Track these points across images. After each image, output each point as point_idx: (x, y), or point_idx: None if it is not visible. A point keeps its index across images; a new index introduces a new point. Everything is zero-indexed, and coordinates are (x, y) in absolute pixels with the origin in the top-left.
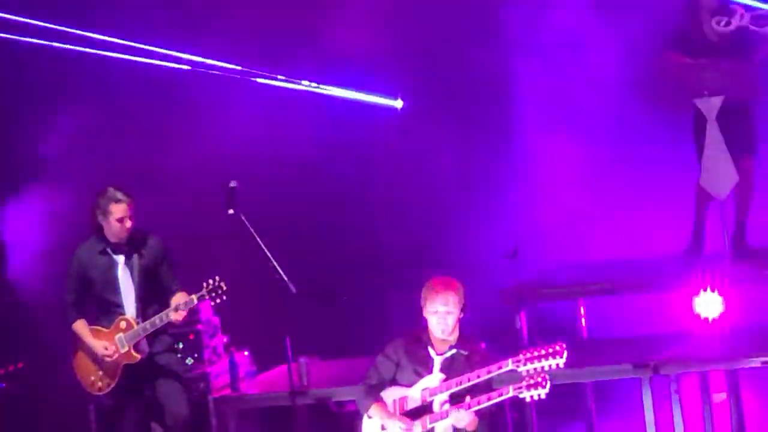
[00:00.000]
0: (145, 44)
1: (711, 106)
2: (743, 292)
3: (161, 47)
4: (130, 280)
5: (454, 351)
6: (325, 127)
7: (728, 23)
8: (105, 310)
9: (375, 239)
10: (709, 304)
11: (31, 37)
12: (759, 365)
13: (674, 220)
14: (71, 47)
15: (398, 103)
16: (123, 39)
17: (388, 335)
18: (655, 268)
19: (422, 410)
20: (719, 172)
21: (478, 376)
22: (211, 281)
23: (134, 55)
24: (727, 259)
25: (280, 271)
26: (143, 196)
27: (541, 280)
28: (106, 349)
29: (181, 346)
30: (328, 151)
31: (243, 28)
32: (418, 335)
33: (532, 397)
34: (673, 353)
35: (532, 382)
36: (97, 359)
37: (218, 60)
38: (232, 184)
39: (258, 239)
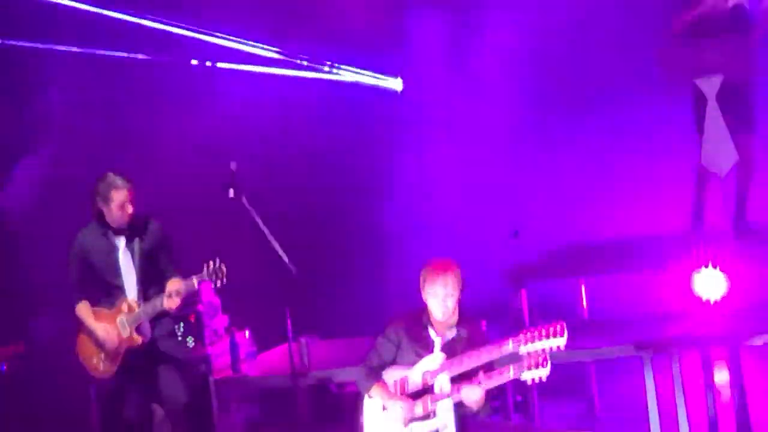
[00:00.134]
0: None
1: (711, 84)
2: (745, 269)
3: (160, 22)
4: (131, 263)
5: (454, 331)
6: (325, 107)
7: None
8: (107, 293)
9: (375, 219)
10: (710, 282)
11: None
12: (761, 343)
13: (675, 198)
14: None
15: (398, 84)
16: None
17: (389, 315)
18: (656, 246)
19: (423, 391)
20: (719, 149)
21: (479, 357)
22: (211, 263)
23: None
24: (729, 236)
25: (281, 252)
26: (142, 178)
27: (542, 260)
28: (109, 333)
29: (182, 327)
30: (328, 131)
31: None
32: (418, 316)
33: (533, 378)
34: (674, 332)
35: (533, 362)
36: (99, 342)
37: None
38: (233, 166)
39: (258, 220)
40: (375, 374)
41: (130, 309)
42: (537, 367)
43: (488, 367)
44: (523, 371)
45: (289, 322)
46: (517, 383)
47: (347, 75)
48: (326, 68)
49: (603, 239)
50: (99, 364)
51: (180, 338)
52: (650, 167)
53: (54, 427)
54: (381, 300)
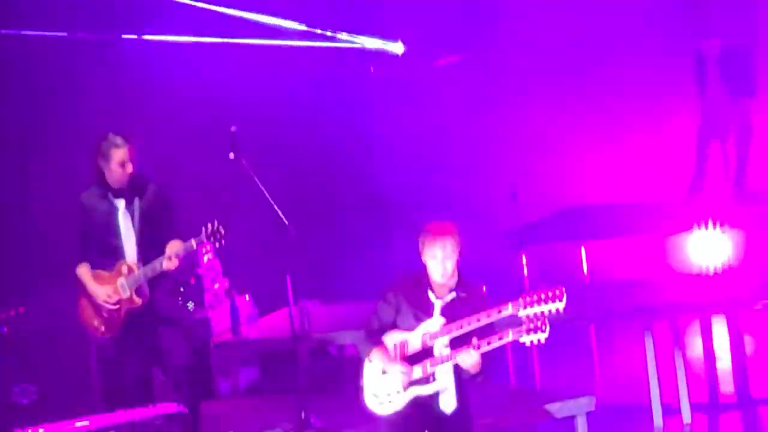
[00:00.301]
0: None
1: (711, 48)
2: (745, 233)
3: None
4: (131, 224)
5: (454, 294)
6: (327, 70)
7: None
8: (107, 255)
9: (377, 182)
10: (711, 246)
11: None
12: (761, 308)
13: (676, 162)
14: None
15: (399, 48)
16: None
17: (390, 278)
18: (656, 210)
19: (423, 354)
20: (720, 114)
21: (479, 320)
22: (210, 225)
23: None
24: (729, 199)
25: (281, 215)
26: (143, 141)
27: (543, 222)
28: (109, 296)
29: (182, 290)
30: (329, 93)
31: None
32: (417, 279)
33: (532, 341)
34: (674, 297)
35: (531, 326)
36: (99, 305)
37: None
38: (233, 128)
39: (258, 183)
40: (375, 338)
41: (130, 271)
42: (536, 330)
43: (487, 331)
44: (521, 335)
45: (289, 285)
46: (517, 345)
47: (347, 40)
48: (328, 33)
49: (605, 203)
50: (100, 327)
51: (181, 300)
52: (651, 130)
53: (55, 389)
54: (382, 264)
